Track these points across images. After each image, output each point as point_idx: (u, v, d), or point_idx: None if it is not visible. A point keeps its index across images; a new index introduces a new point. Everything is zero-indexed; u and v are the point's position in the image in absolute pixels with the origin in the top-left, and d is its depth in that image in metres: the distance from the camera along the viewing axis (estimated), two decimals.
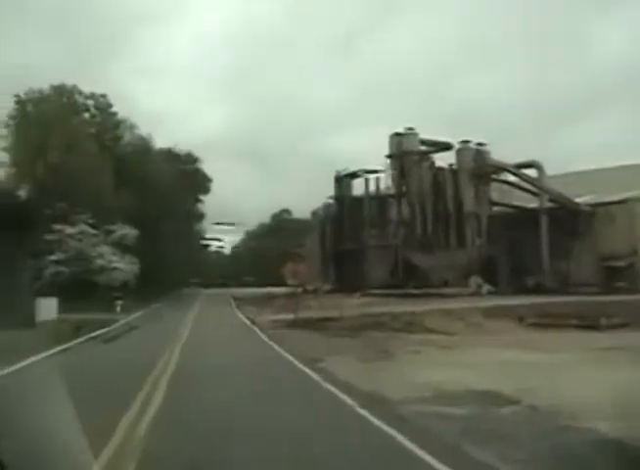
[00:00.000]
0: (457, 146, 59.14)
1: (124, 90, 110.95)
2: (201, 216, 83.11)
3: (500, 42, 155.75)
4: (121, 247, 47.18)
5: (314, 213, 72.70)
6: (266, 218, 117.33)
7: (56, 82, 51.12)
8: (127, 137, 61.21)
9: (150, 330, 28.73)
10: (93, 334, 24.61)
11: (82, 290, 38.78)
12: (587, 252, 52.08)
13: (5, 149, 45.19)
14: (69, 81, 53.15)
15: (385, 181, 62.43)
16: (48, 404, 7.47)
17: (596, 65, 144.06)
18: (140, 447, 7.22)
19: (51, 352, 17.62)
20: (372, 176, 64.14)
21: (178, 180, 65.91)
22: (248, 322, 31.86)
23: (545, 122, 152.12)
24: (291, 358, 16.41)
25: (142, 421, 8.66)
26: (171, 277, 77.83)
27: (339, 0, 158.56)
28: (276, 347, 19.69)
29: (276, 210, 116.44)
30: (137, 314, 38.02)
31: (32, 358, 15.43)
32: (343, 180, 66.99)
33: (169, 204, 61.53)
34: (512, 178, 60.42)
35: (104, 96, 56.37)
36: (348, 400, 10.23)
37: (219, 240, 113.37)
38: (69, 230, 43.13)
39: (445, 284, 50.81)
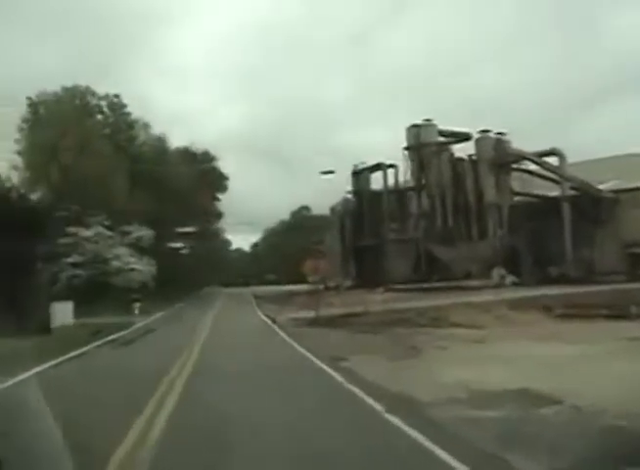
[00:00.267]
0: (476, 136, 58.12)
1: (141, 91, 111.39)
2: (219, 215, 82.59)
3: (518, 29, 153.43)
4: (138, 248, 46.83)
5: (333, 209, 71.82)
6: (285, 215, 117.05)
7: (69, 84, 51.07)
8: (142, 137, 60.86)
9: (168, 332, 28.39)
10: (109, 337, 24.15)
11: (99, 292, 38.59)
12: (611, 239, 50.98)
13: (19, 152, 45.06)
14: (85, 83, 53.17)
15: (403, 174, 61.62)
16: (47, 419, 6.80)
17: (616, 50, 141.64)
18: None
19: (60, 358, 17.13)
20: (390, 170, 63.29)
21: (195, 179, 65.41)
22: (268, 321, 31.33)
23: (565, 110, 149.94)
24: (312, 358, 15.69)
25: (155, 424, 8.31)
26: (191, 277, 77.63)
27: None
28: (296, 345, 19.05)
29: (295, 206, 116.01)
30: (155, 316, 37.66)
31: (37, 369, 14.48)
32: (361, 174, 65.94)
33: (186, 203, 61.17)
34: (533, 167, 59.26)
35: (117, 96, 56.10)
36: (376, 405, 9.40)
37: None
38: (85, 233, 42.88)
39: (468, 276, 49.98)
